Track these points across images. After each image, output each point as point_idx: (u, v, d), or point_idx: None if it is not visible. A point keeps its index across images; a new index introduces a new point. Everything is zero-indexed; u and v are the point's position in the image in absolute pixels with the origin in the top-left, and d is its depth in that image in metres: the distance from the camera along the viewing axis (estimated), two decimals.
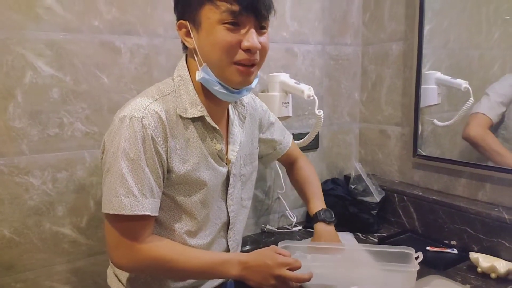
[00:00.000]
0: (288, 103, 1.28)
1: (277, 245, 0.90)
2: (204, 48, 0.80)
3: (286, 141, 1.14)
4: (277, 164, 1.39)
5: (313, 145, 1.43)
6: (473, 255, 1.08)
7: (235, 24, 0.77)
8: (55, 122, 1.01)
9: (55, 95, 1.00)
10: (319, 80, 1.47)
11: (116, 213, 0.76)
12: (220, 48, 0.77)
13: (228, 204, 0.94)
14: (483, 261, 1.05)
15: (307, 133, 1.30)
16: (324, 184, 1.49)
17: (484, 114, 1.22)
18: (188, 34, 0.82)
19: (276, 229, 1.40)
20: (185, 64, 0.87)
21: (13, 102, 0.95)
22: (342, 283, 0.89)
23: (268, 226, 1.40)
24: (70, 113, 1.02)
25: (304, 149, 1.44)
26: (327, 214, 1.06)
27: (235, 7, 0.75)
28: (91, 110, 1.05)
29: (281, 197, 1.42)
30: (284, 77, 1.24)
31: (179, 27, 0.82)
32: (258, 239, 1.34)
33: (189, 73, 0.85)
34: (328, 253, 0.94)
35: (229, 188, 0.94)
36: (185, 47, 0.87)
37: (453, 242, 1.21)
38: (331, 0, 1.45)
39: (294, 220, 1.43)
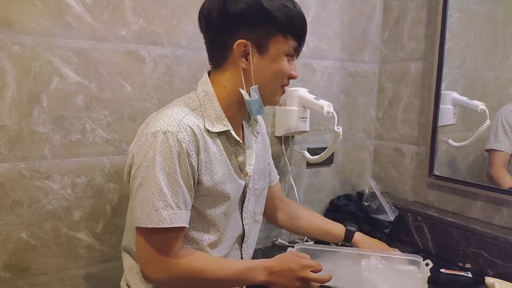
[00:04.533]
0: (306, 118, 1.28)
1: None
2: (264, 72, 0.85)
3: (275, 173, 1.15)
4: (291, 178, 1.39)
5: (328, 161, 1.43)
6: (489, 280, 1.06)
7: (292, 56, 0.87)
8: (77, 128, 1.02)
9: (79, 101, 1.01)
10: (336, 96, 1.48)
11: (155, 226, 0.76)
12: (281, 76, 0.87)
13: (243, 217, 0.96)
14: (499, 286, 1.03)
15: (322, 148, 1.31)
16: (337, 199, 1.49)
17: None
18: (244, 54, 0.83)
19: (287, 243, 1.39)
20: (208, 80, 0.88)
21: (38, 107, 0.97)
22: (355, 284, 0.96)
23: (279, 240, 1.40)
24: (92, 119, 1.04)
25: (318, 164, 1.45)
26: (353, 226, 1.16)
27: (296, 44, 0.86)
28: (112, 118, 1.06)
29: None
30: (303, 92, 1.25)
31: (239, 46, 0.82)
32: (269, 252, 1.33)
33: (213, 88, 0.87)
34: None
35: (245, 201, 0.95)
36: (215, 61, 0.88)
37: (468, 266, 1.20)
38: (351, 17, 1.46)
39: None
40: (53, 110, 0.99)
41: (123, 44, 1.05)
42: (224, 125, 0.86)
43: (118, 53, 1.04)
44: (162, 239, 0.79)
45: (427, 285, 0.92)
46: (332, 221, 1.19)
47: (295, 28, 0.84)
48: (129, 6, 1.04)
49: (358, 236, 1.14)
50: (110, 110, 1.06)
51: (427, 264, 0.94)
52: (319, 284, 0.89)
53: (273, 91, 0.88)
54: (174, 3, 1.10)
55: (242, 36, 0.82)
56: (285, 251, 1.33)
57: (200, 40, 1.14)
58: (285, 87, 0.91)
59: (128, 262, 0.91)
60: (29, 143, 0.97)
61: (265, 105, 0.90)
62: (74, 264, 1.06)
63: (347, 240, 1.16)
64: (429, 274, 0.90)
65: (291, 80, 0.91)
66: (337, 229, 1.16)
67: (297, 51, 0.88)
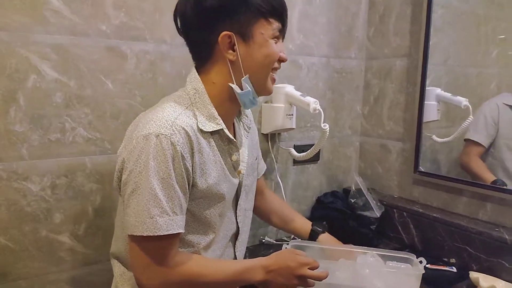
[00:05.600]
0: (292, 115, 1.27)
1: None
2: (254, 60, 0.82)
3: (262, 163, 1.13)
4: (278, 175, 1.38)
5: (314, 158, 1.42)
6: (473, 275, 1.08)
7: (278, 38, 0.84)
8: (56, 127, 0.98)
9: (58, 99, 0.98)
10: (322, 93, 1.47)
11: (151, 234, 0.73)
12: (271, 59, 0.83)
13: (237, 214, 0.94)
14: (483, 281, 1.05)
15: (309, 145, 1.30)
16: (323, 196, 1.49)
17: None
18: (230, 46, 0.81)
19: (274, 241, 1.38)
20: (197, 76, 0.85)
21: (14, 106, 0.93)
22: (351, 281, 0.94)
23: (266, 238, 1.39)
24: (72, 118, 1.00)
25: (305, 162, 1.44)
26: (320, 225, 1.10)
27: (280, 24, 0.83)
28: (94, 116, 1.03)
29: None
30: (290, 89, 1.24)
31: (223, 38, 0.79)
32: (256, 251, 1.33)
33: (203, 85, 0.84)
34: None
35: (239, 199, 0.94)
36: (199, 60, 0.85)
37: (452, 260, 1.21)
38: (337, 14, 1.46)
39: None
40: (31, 108, 0.95)
41: (103, 39, 1.01)
42: (217, 124, 0.83)
43: (98, 48, 1.01)
44: (157, 246, 0.76)
45: (419, 283, 0.92)
46: (303, 218, 1.15)
47: (274, 9, 0.81)
48: (109, 0, 1.00)
49: (322, 237, 1.09)
50: (91, 108, 1.02)
51: (421, 262, 0.94)
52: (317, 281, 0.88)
53: (265, 78, 0.85)
54: None
55: (223, 28, 0.79)
56: (273, 250, 1.33)
57: None
58: (275, 76, 0.88)
59: (118, 268, 0.89)
60: (6, 143, 0.93)
61: (258, 95, 0.87)
62: (55, 268, 1.03)
63: (312, 240, 1.11)
64: (423, 271, 0.91)
65: (277, 77, 0.89)
66: (304, 228, 1.12)
67: (281, 32, 0.85)
